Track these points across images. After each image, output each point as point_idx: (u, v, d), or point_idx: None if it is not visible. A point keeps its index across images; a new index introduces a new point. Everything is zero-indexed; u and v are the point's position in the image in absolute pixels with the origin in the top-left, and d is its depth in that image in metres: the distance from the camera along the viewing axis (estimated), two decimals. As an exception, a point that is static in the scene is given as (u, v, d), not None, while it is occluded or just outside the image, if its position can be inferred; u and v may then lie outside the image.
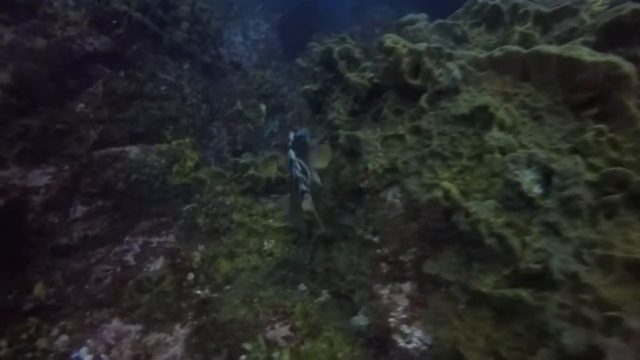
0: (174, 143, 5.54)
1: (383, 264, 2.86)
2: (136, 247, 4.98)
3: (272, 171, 4.48)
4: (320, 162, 3.10)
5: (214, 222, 4.10)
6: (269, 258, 3.68)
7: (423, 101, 2.87)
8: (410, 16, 3.93)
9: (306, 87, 4.17)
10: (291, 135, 3.15)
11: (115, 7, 5.52)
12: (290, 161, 2.78)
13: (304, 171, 2.77)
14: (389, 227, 2.86)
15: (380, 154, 2.92)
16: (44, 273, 4.22)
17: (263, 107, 6.93)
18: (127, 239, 5.09)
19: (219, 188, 4.32)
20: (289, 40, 11.25)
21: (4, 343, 3.56)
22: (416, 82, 2.95)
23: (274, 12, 11.63)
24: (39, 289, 4.06)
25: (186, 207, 4.51)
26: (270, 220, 4.07)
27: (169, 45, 6.00)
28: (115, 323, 3.78)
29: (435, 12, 3.94)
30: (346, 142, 3.24)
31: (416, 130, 2.87)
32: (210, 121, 6.59)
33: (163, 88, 5.83)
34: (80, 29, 5.43)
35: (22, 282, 4.08)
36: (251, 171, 4.39)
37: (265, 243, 3.79)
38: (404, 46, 2.93)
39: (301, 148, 3.05)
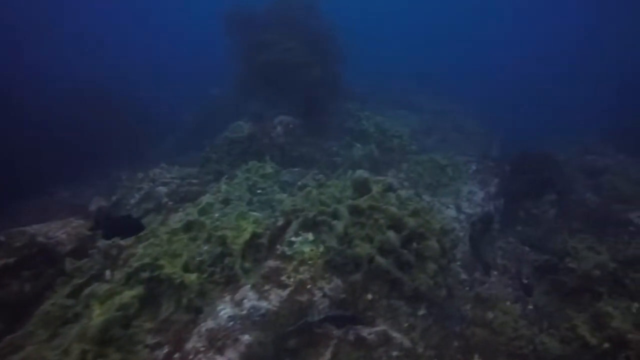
0: None
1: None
2: None
3: None
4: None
5: None
6: None
7: None
8: None
9: None
10: None
11: (358, 251, 4.47)
12: None
13: None
14: None
15: None
16: None
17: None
18: None
19: None
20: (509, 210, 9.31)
21: None
22: None
23: (490, 173, 9.96)
24: None
25: None
26: None
27: (408, 292, 4.65)
28: None
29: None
30: None
31: None
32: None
33: (395, 354, 4.38)
34: (314, 270, 4.51)
35: None
36: None
37: None
38: None
39: None
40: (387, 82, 17.52)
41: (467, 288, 6.87)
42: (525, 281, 6.77)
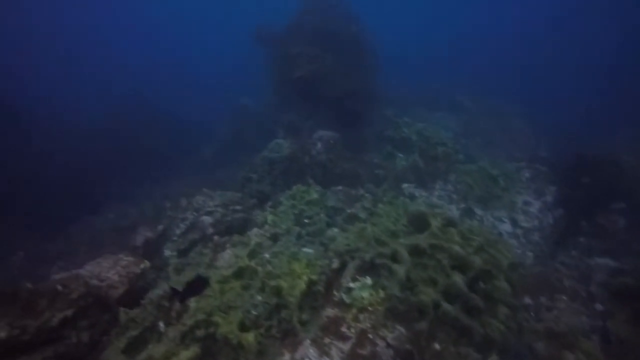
0: None
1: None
2: None
3: None
4: None
5: None
6: None
7: None
8: None
9: None
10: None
11: (423, 299, 4.12)
12: None
13: None
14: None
15: None
16: None
17: None
18: None
19: None
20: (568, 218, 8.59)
21: None
22: None
23: (545, 180, 9.24)
24: None
25: None
26: None
27: (478, 339, 4.25)
28: None
29: None
30: None
31: None
32: None
33: (468, 411, 4.01)
34: (375, 318, 4.21)
35: None
36: None
37: None
38: None
39: None
40: (421, 82, 16.86)
41: (532, 314, 6.37)
42: (599, 307, 6.17)
